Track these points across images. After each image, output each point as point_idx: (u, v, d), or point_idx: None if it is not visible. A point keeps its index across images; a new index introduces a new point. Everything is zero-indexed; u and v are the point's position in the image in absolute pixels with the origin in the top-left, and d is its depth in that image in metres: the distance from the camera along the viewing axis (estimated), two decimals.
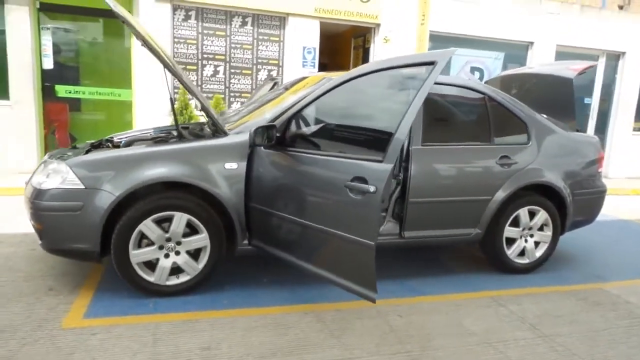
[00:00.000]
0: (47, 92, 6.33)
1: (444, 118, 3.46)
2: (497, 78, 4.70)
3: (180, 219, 2.80)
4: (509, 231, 3.59)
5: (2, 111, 6.02)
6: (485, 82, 4.63)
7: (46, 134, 6.54)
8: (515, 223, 3.60)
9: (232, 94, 7.04)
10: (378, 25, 7.60)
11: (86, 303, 2.73)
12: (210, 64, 6.89)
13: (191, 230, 2.86)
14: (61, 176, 2.68)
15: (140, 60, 6.45)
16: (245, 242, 2.99)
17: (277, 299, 2.96)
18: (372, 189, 2.27)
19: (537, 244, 3.71)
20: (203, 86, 6.92)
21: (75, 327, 2.44)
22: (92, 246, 2.70)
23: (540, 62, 8.16)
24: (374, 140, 2.42)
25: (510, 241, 3.63)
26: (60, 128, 6.61)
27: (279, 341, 2.44)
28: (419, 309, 2.96)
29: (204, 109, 2.91)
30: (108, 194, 2.66)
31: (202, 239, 2.87)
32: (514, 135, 3.62)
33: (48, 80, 6.30)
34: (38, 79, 6.22)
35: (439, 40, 7.96)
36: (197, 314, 2.69)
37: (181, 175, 2.75)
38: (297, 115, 2.83)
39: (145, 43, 2.62)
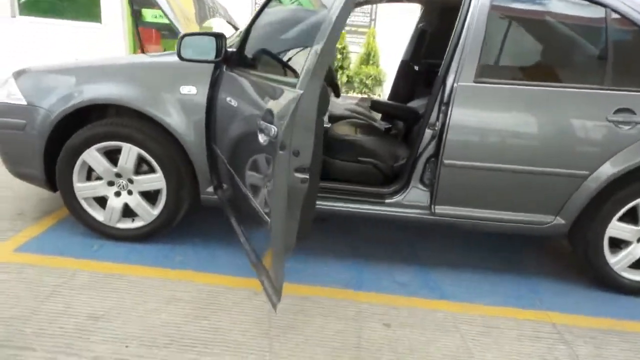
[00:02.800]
0: (136, 16, 6.35)
1: (521, 42, 2.24)
2: None
3: (128, 152, 2.29)
4: (617, 228, 2.30)
5: (95, 33, 6.26)
6: None
7: None
8: (633, 217, 2.29)
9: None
10: None
11: (34, 234, 2.46)
12: None
13: (151, 168, 2.36)
14: (7, 89, 2.37)
15: None
16: (211, 189, 2.37)
17: (237, 267, 2.31)
18: (273, 130, 1.39)
19: None
20: None
21: None
22: (38, 172, 2.38)
23: None
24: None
25: (619, 243, 2.35)
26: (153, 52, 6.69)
27: (186, 327, 1.82)
28: (424, 318, 2.04)
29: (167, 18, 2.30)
30: (47, 113, 2.26)
31: (156, 179, 2.33)
32: None
33: (137, 4, 6.29)
34: (127, 3, 6.26)
35: None
36: (129, 267, 2.21)
37: (117, 96, 2.19)
38: (258, 27, 1.99)
39: None
